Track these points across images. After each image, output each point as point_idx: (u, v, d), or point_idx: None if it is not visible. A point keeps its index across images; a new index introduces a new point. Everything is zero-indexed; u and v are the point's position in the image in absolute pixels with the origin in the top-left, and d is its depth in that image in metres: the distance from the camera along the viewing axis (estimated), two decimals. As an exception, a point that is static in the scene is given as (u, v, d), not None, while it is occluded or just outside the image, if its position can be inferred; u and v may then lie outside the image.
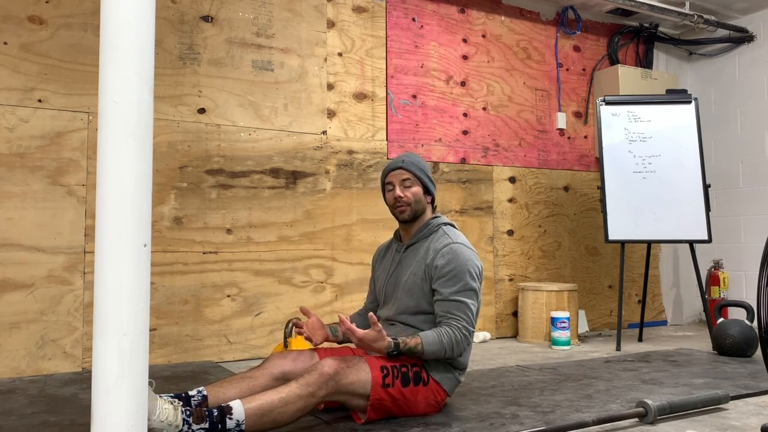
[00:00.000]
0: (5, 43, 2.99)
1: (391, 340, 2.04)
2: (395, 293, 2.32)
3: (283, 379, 2.06)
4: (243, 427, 1.81)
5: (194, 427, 1.78)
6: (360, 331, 2.00)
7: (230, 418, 1.80)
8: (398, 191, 2.30)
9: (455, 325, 2.13)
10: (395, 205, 2.32)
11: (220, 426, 1.79)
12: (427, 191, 2.35)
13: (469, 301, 2.17)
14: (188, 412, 1.80)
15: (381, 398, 2.05)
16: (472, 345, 2.33)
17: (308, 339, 2.26)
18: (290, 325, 2.77)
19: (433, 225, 2.34)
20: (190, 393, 1.98)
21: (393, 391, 2.07)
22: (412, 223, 2.36)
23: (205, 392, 1.99)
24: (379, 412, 2.08)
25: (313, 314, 2.32)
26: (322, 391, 1.92)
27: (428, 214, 2.38)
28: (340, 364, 1.99)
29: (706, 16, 4.65)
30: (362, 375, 2.02)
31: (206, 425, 1.78)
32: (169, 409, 1.77)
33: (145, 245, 1.47)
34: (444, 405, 2.27)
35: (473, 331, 2.19)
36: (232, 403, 1.84)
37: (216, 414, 1.80)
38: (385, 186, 2.37)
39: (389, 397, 2.07)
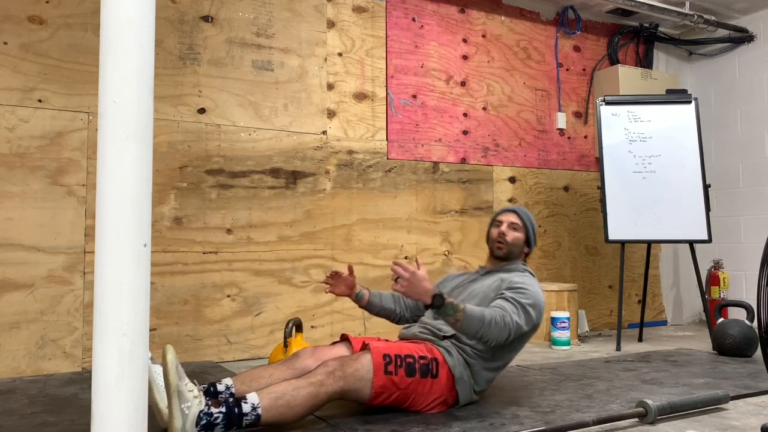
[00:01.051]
0: (5, 43, 2.99)
1: (436, 287, 2.12)
2: (460, 296, 2.45)
3: None
4: (259, 410, 1.87)
5: (213, 410, 1.84)
6: (412, 267, 2.06)
7: (245, 403, 1.87)
8: (504, 228, 2.54)
9: (500, 312, 2.19)
10: (496, 240, 2.54)
11: (236, 409, 1.85)
12: (528, 243, 2.57)
13: (523, 313, 2.25)
14: (207, 398, 1.90)
15: (384, 385, 2.08)
16: (499, 370, 2.38)
17: (329, 284, 2.54)
18: (290, 325, 2.78)
19: (519, 266, 2.53)
20: (219, 388, 2.08)
21: (396, 379, 2.10)
22: (501, 262, 2.55)
23: (233, 389, 2.08)
24: (383, 398, 2.11)
25: (354, 276, 2.54)
26: (330, 381, 1.98)
27: (518, 260, 2.57)
28: (343, 357, 2.09)
29: (706, 16, 4.65)
30: (365, 362, 2.08)
31: (223, 409, 1.85)
32: (193, 385, 1.87)
33: (145, 245, 1.47)
34: (451, 406, 2.28)
35: (512, 333, 2.22)
36: (247, 394, 1.93)
37: (232, 400, 1.88)
38: (494, 222, 2.60)
39: (393, 385, 2.10)
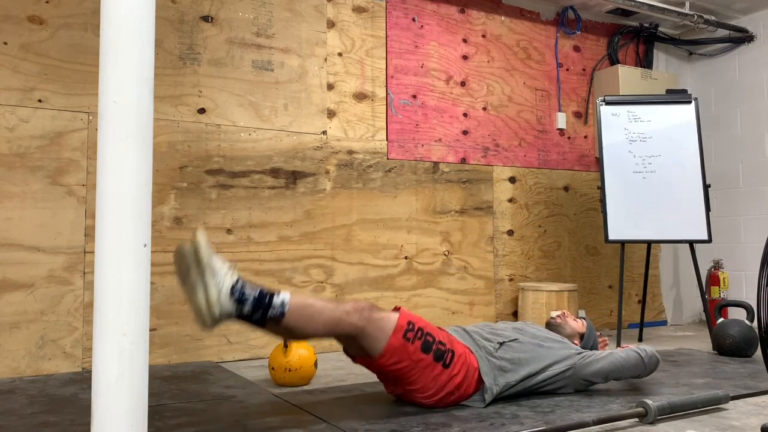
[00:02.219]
0: (5, 43, 2.99)
1: None
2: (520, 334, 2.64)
3: None
4: (285, 309, 1.98)
5: (246, 289, 1.95)
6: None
7: (277, 296, 1.99)
8: (566, 311, 2.85)
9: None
10: (556, 315, 2.82)
11: (267, 299, 1.97)
12: (581, 338, 2.74)
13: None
14: (242, 280, 1.98)
15: (397, 347, 2.13)
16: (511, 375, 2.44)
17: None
18: (290, 325, 2.78)
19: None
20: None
21: (411, 348, 2.15)
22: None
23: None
24: (391, 360, 2.14)
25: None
26: (356, 316, 2.08)
27: (567, 340, 2.61)
28: (375, 306, 2.18)
29: (706, 16, 4.65)
30: (392, 318, 2.16)
31: (256, 293, 1.96)
32: (223, 261, 1.96)
33: (145, 245, 1.47)
34: (444, 407, 2.27)
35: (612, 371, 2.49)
36: (282, 291, 2.04)
37: (266, 289, 1.99)
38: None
39: (405, 352, 2.14)
